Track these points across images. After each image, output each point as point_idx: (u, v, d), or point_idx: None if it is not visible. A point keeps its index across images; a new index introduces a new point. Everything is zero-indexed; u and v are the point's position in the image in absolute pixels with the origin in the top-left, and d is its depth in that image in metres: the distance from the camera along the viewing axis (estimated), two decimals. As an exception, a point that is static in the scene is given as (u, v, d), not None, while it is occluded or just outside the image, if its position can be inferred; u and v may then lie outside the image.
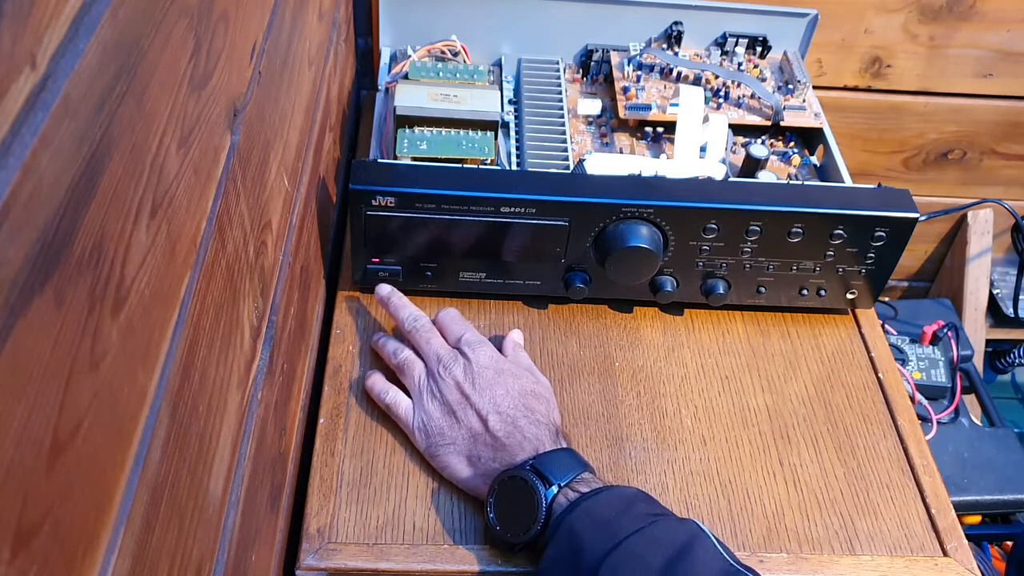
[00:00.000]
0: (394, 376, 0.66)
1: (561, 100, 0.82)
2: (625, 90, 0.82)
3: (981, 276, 1.22)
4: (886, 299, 1.12)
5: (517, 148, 0.78)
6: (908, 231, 0.69)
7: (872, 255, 0.71)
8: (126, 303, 0.30)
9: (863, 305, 0.76)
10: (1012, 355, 1.25)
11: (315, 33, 0.68)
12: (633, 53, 0.86)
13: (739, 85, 0.83)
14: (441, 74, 0.80)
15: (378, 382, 0.66)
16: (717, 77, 0.84)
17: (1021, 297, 1.11)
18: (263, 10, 0.50)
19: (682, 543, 0.50)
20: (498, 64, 0.88)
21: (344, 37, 0.86)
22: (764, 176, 0.76)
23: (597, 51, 0.87)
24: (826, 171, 0.80)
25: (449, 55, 0.85)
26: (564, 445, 0.60)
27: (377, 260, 0.70)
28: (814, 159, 0.82)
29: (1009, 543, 0.96)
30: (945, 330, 1.00)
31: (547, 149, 0.77)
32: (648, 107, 0.80)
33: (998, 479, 0.95)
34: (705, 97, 0.80)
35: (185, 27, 0.36)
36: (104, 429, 0.29)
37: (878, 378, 0.73)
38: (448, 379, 0.62)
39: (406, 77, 0.80)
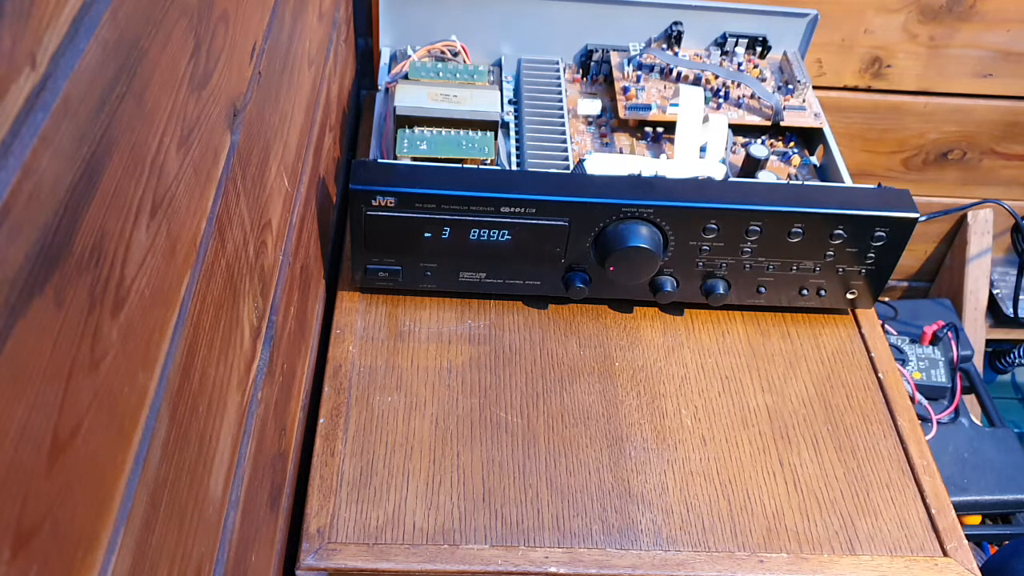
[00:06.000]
0: (395, 376, 0.66)
1: (561, 100, 0.82)
2: (625, 90, 0.82)
3: (981, 276, 1.22)
4: (886, 299, 1.12)
5: (517, 148, 0.78)
6: (908, 231, 0.69)
7: (872, 255, 0.71)
8: (126, 303, 0.30)
9: (863, 305, 0.76)
10: (1012, 355, 1.25)
11: (315, 33, 0.68)
12: (633, 53, 0.86)
13: (739, 85, 0.83)
14: (441, 74, 0.80)
15: None
16: (717, 77, 0.84)
17: (1021, 297, 1.11)
18: (263, 10, 0.50)
19: None
20: (498, 64, 0.88)
21: (344, 37, 0.86)
22: (764, 176, 0.76)
23: (597, 51, 0.87)
24: (826, 171, 0.80)
25: (449, 55, 0.85)
26: None
27: (377, 260, 0.70)
28: (814, 159, 0.82)
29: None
30: (945, 330, 1.00)
31: (547, 149, 0.77)
32: (648, 107, 0.80)
33: (998, 479, 0.95)
34: (705, 97, 0.80)
35: (185, 27, 0.36)
36: (104, 429, 0.29)
37: (878, 378, 0.73)
38: None
39: (406, 77, 0.79)
